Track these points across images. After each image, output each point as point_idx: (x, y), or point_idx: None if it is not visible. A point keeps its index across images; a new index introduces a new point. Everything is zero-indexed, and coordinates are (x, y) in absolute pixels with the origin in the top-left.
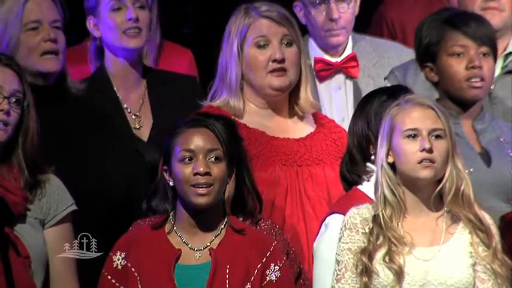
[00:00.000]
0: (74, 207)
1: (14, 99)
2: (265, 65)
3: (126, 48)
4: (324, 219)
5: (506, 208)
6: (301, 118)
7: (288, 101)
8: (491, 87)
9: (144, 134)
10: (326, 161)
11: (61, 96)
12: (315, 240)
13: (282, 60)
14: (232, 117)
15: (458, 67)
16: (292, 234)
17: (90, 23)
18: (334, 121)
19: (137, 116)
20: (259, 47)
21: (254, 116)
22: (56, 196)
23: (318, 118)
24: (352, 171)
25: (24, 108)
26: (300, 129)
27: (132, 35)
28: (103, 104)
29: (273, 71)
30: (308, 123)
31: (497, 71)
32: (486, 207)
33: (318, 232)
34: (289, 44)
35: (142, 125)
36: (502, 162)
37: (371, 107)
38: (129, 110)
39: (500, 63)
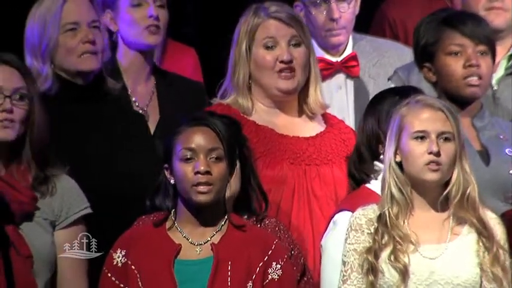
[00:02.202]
0: (88, 210)
1: (18, 96)
2: (273, 65)
3: (143, 44)
4: (332, 216)
5: (504, 207)
6: (311, 117)
7: (297, 101)
8: (495, 88)
9: (150, 129)
10: (335, 161)
11: (99, 96)
12: (321, 239)
13: (290, 61)
14: (242, 114)
15: (455, 66)
16: (298, 233)
17: (107, 16)
18: (343, 122)
19: (144, 110)
20: (267, 48)
21: (263, 114)
22: (69, 198)
23: (328, 118)
24: (360, 169)
25: (30, 102)
26: (309, 128)
27: (152, 32)
28: (115, 97)
29: (280, 71)
30: (317, 122)
31: (501, 72)
32: (487, 206)
33: (325, 230)
34: (297, 45)
35: (149, 120)
36: (500, 161)
37: (382, 106)
38: (137, 104)
39: (504, 64)
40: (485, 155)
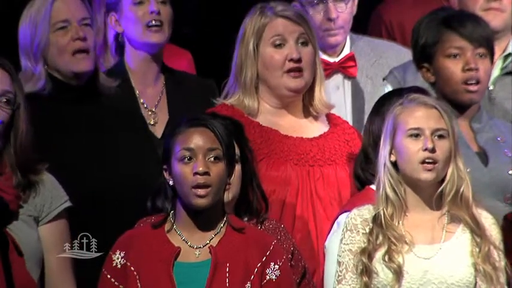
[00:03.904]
0: (68, 203)
1: (4, 99)
2: (282, 64)
3: (148, 43)
4: (336, 218)
5: (504, 208)
6: (315, 118)
7: (302, 101)
8: (491, 88)
9: (158, 130)
10: (338, 161)
11: (93, 96)
12: (325, 240)
13: (299, 60)
14: (246, 115)
15: (454, 68)
16: (302, 234)
17: (111, 19)
18: (347, 122)
19: (153, 112)
20: (276, 46)
21: (268, 115)
22: (50, 193)
23: (332, 118)
24: (366, 170)
25: (14, 109)
26: (313, 128)
27: (154, 30)
28: (121, 99)
29: (289, 70)
30: (321, 123)
31: (497, 72)
32: (483, 206)
33: (329, 231)
34: (305, 44)
35: (157, 121)
36: (499, 162)
37: (387, 107)
38: (145, 106)
39: (499, 64)
40: (483, 157)
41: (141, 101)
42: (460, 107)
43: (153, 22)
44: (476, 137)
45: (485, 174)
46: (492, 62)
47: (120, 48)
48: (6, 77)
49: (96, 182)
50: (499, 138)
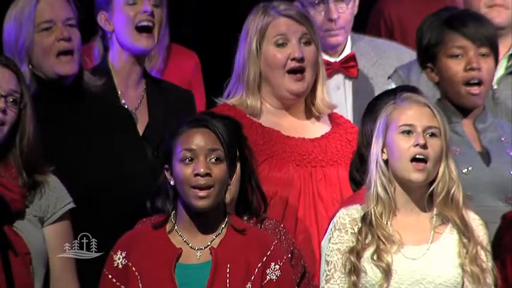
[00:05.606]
0: (72, 205)
1: (11, 99)
2: (284, 63)
3: (136, 48)
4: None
5: (505, 208)
6: (317, 118)
7: (304, 101)
8: (495, 87)
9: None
10: (340, 162)
11: (78, 95)
12: None
13: (301, 59)
14: (248, 116)
15: (456, 68)
16: (304, 235)
17: (101, 17)
18: (350, 121)
19: (133, 113)
20: (278, 45)
21: (269, 115)
22: (54, 194)
23: (334, 118)
24: (361, 170)
25: (21, 109)
26: (315, 129)
27: (145, 36)
28: (104, 98)
29: (291, 70)
30: (324, 123)
31: (501, 71)
32: (484, 206)
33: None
34: (307, 43)
35: (137, 123)
36: (501, 162)
37: (380, 107)
38: (126, 107)
39: (504, 63)
40: (486, 156)
41: (123, 101)
42: (463, 109)
43: (145, 23)
44: (480, 137)
45: (487, 174)
46: (497, 61)
47: (104, 48)
48: (13, 77)
49: (88, 181)
50: (503, 139)
